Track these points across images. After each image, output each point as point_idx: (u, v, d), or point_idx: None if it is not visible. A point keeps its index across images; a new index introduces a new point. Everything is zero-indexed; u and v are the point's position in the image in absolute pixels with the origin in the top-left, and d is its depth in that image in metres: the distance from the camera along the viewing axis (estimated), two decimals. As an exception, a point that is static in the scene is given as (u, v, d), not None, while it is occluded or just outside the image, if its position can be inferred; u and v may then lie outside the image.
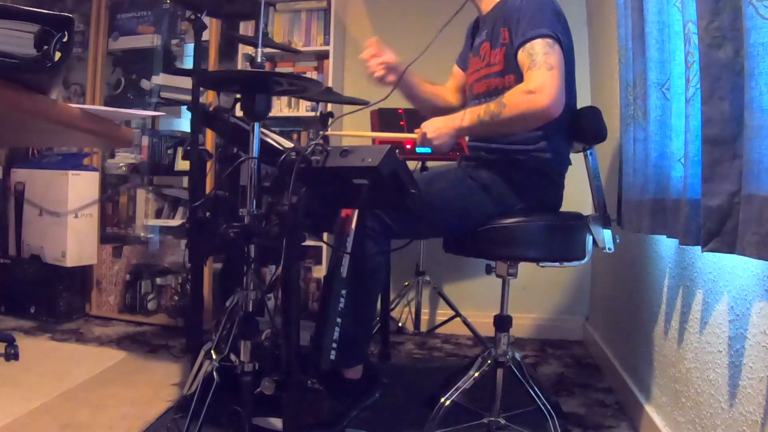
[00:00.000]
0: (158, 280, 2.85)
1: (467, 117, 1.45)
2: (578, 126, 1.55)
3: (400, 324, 2.77)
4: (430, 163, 2.48)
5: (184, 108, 2.91)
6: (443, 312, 2.76)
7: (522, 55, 1.41)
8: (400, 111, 2.46)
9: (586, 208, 1.57)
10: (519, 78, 1.46)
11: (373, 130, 2.44)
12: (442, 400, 1.53)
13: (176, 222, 2.85)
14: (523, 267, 1.59)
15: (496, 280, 1.59)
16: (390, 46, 1.61)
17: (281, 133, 1.91)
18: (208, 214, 1.59)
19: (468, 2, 1.65)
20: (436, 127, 1.47)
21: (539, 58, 1.37)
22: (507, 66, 1.50)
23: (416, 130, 1.52)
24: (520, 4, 1.46)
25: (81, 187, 2.72)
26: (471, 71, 1.67)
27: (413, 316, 2.75)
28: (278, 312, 1.25)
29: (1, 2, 0.81)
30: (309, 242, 2.50)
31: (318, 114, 2.55)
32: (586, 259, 1.50)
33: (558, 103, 1.35)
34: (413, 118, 2.45)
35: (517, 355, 1.58)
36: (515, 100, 1.38)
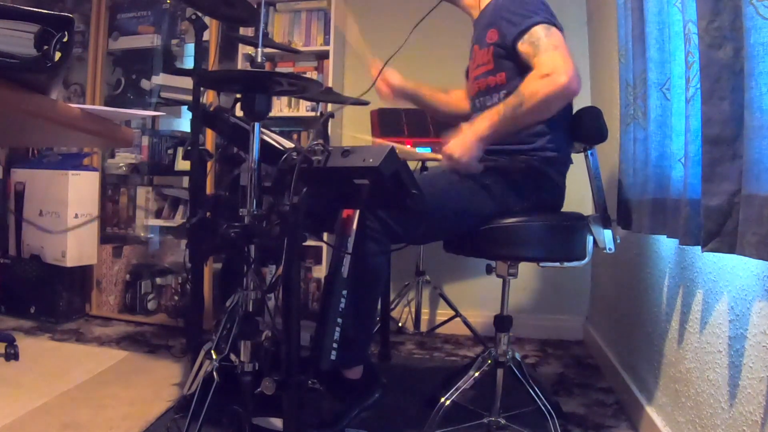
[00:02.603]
0: (158, 280, 2.85)
1: (486, 122, 1.40)
2: (579, 126, 1.55)
3: (400, 324, 2.77)
4: (430, 164, 2.48)
5: (184, 108, 2.91)
6: (443, 312, 2.76)
7: (524, 46, 1.41)
8: (400, 111, 2.46)
9: (587, 208, 1.57)
10: (511, 75, 1.47)
11: (373, 130, 2.44)
12: (442, 400, 1.53)
13: (176, 222, 2.85)
14: (523, 267, 1.59)
15: (496, 280, 1.59)
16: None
17: (281, 133, 1.91)
18: (208, 214, 1.59)
19: (453, 6, 1.68)
20: (461, 146, 1.41)
21: (542, 42, 1.37)
22: (497, 65, 1.51)
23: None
24: (503, 3, 1.48)
25: (81, 187, 2.72)
26: (471, 78, 1.68)
27: (413, 316, 2.75)
28: (278, 312, 1.25)
29: (1, 2, 0.81)
30: (309, 242, 2.50)
31: (318, 114, 2.55)
32: (586, 259, 1.50)
33: (576, 79, 1.34)
34: (414, 119, 2.45)
35: (517, 355, 1.58)
36: (534, 88, 1.35)
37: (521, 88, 1.38)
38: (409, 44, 1.58)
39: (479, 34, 1.58)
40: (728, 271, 1.10)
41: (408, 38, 1.53)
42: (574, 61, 1.36)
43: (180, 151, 2.77)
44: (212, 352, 1.47)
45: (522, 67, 1.45)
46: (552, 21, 1.41)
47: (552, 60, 1.35)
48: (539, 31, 1.39)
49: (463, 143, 1.41)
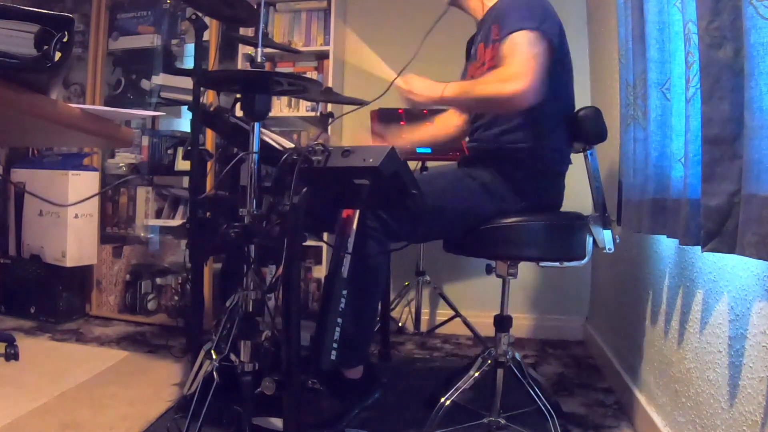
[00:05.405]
0: (158, 280, 2.85)
1: (450, 89, 1.46)
2: (579, 126, 1.55)
3: (400, 324, 2.77)
4: (429, 164, 2.49)
5: (184, 108, 2.91)
6: (443, 312, 2.76)
7: (504, 46, 1.42)
8: (399, 111, 2.46)
9: (587, 208, 1.57)
10: None
11: (373, 129, 2.44)
12: (442, 400, 1.53)
13: (176, 222, 2.85)
14: (523, 267, 1.59)
15: (496, 280, 1.59)
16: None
17: (281, 133, 1.91)
18: (208, 214, 1.59)
19: (459, 11, 1.66)
20: (420, 90, 1.48)
21: (520, 49, 1.38)
22: (498, 62, 1.51)
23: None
24: (509, 1, 1.47)
25: (81, 187, 2.72)
26: (469, 76, 1.67)
27: (413, 316, 2.75)
28: (278, 312, 1.25)
29: (1, 2, 0.81)
30: (309, 242, 2.50)
31: (318, 114, 2.55)
32: (586, 259, 1.50)
33: (529, 94, 1.34)
34: (413, 118, 2.45)
35: (517, 355, 1.58)
36: (488, 83, 1.40)
37: (481, 78, 1.42)
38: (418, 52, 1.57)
39: (485, 33, 1.57)
40: (728, 271, 1.10)
41: (418, 48, 1.53)
42: (542, 76, 1.36)
43: (180, 151, 2.76)
44: (212, 352, 1.48)
45: None
46: (544, 32, 1.40)
47: (517, 67, 1.36)
48: (523, 37, 1.39)
49: (422, 90, 1.47)
